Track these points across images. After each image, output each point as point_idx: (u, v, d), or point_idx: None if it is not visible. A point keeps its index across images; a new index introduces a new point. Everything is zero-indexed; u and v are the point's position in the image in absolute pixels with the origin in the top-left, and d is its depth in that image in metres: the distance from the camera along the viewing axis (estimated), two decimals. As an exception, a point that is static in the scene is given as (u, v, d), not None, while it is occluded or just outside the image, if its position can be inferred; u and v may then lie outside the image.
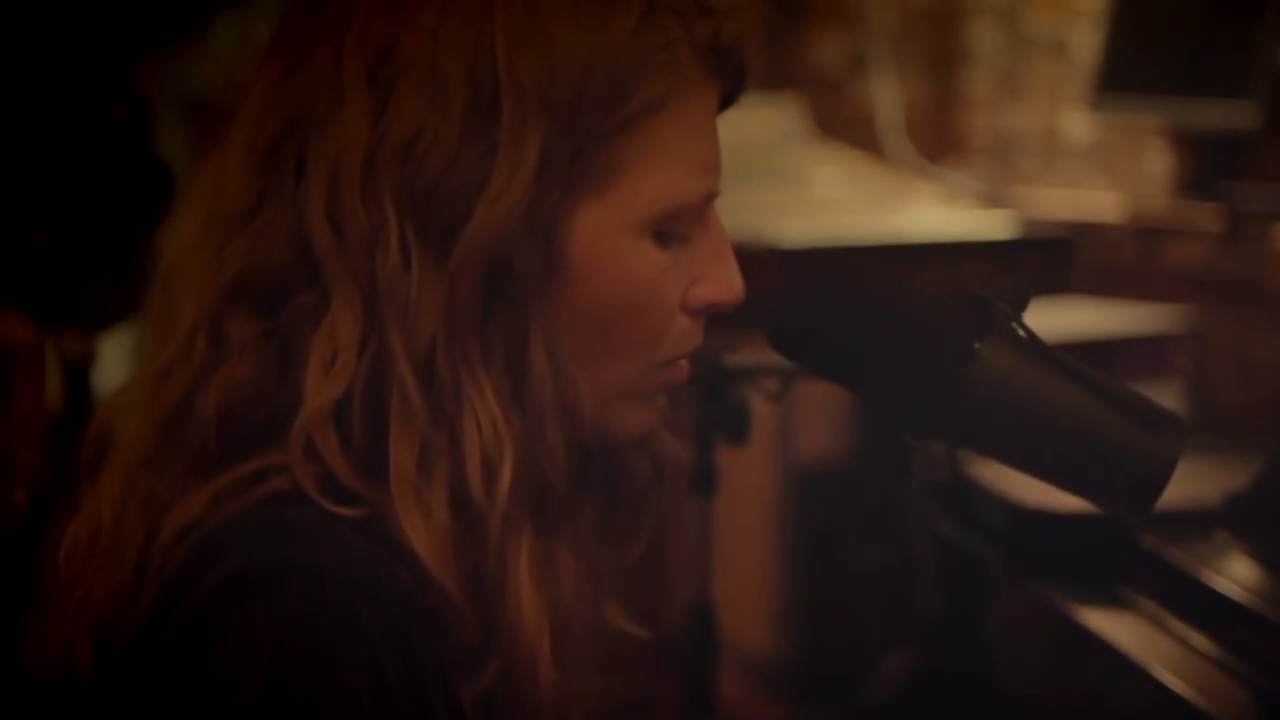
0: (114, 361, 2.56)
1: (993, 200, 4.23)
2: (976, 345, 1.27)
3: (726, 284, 1.28)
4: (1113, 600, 1.88)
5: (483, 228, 1.18)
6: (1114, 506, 1.31)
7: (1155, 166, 4.21)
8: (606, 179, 1.23)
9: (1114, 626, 1.84)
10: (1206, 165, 4.01)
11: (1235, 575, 1.79)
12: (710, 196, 1.28)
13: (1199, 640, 1.76)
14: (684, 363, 1.30)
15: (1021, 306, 1.30)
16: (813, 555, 3.78)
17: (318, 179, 1.20)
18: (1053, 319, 3.44)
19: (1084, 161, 4.41)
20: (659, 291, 1.26)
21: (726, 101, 1.30)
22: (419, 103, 1.19)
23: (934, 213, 4.15)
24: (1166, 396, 3.41)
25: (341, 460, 1.18)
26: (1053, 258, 4.07)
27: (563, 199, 1.21)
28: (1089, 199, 4.22)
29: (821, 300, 1.30)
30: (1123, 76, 4.06)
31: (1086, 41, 4.27)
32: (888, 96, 4.48)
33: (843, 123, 4.47)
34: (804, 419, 3.77)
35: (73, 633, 1.18)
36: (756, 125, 4.05)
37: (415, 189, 1.19)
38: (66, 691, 1.18)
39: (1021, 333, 1.29)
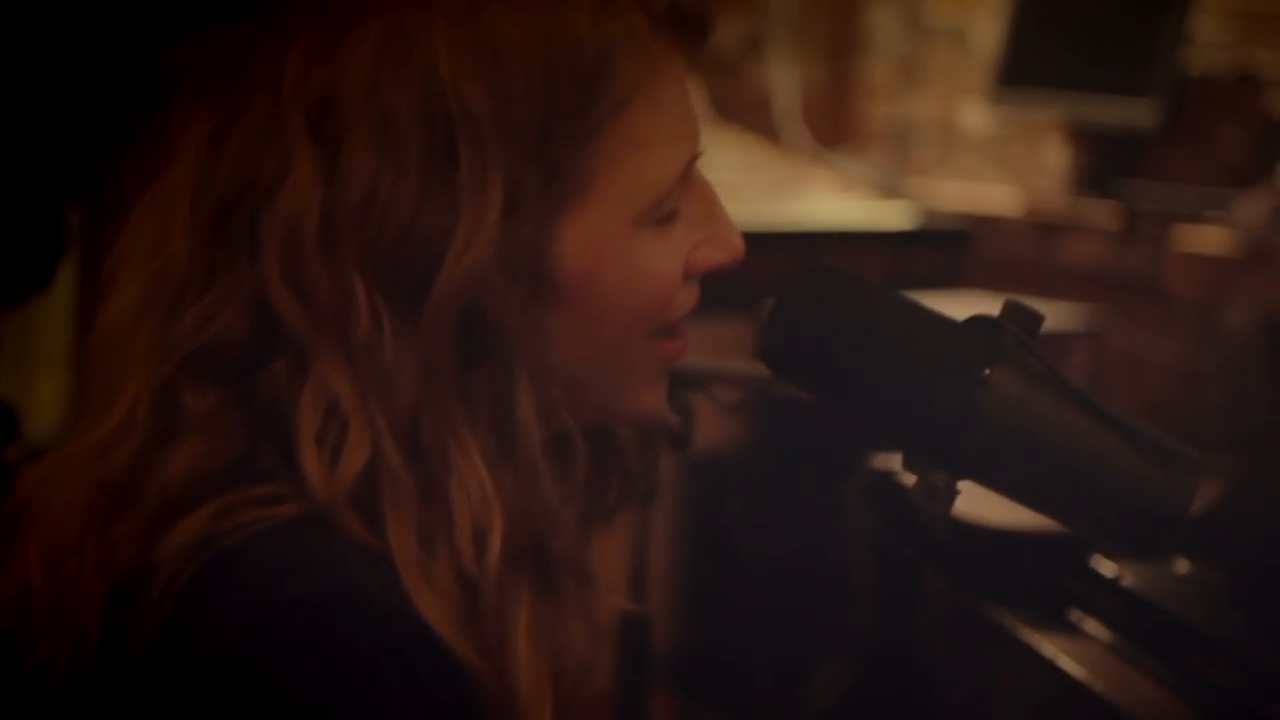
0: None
1: (889, 190, 4.20)
2: (987, 372, 1.21)
3: (726, 243, 1.24)
4: (1062, 623, 1.84)
5: (453, 280, 1.12)
6: (1123, 545, 1.26)
7: (1053, 162, 4.20)
8: (587, 186, 1.17)
9: (1063, 649, 1.80)
10: (1104, 162, 4.00)
11: (1191, 600, 1.76)
12: (694, 159, 1.22)
13: (1151, 665, 1.72)
14: (681, 340, 1.24)
15: (1034, 332, 1.24)
16: (712, 548, 3.73)
17: (273, 248, 1.13)
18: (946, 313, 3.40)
19: (981, 154, 4.39)
20: (666, 274, 1.21)
21: (693, 51, 1.24)
22: (370, 159, 1.12)
23: (830, 201, 4.12)
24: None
25: (364, 533, 1.12)
26: (948, 250, 4.05)
27: (541, 224, 1.15)
28: (985, 192, 4.20)
29: (822, 318, 1.23)
30: (1023, 70, 4.04)
31: (987, 32, 4.25)
32: (785, 81, 4.44)
33: (739, 106, 4.41)
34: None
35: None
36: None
37: (378, 250, 1.12)
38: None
39: (1034, 361, 1.23)
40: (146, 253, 1.17)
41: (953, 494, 1.26)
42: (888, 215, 4.05)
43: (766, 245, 3.73)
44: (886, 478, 2.04)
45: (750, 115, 4.41)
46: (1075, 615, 1.83)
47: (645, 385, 1.24)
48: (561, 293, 1.16)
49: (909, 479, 1.26)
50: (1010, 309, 1.24)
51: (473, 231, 1.11)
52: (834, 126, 4.52)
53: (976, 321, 1.25)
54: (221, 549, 1.09)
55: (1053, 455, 1.21)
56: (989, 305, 1.25)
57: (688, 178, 1.22)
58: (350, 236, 1.11)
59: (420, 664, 1.07)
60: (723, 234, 1.23)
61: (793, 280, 1.23)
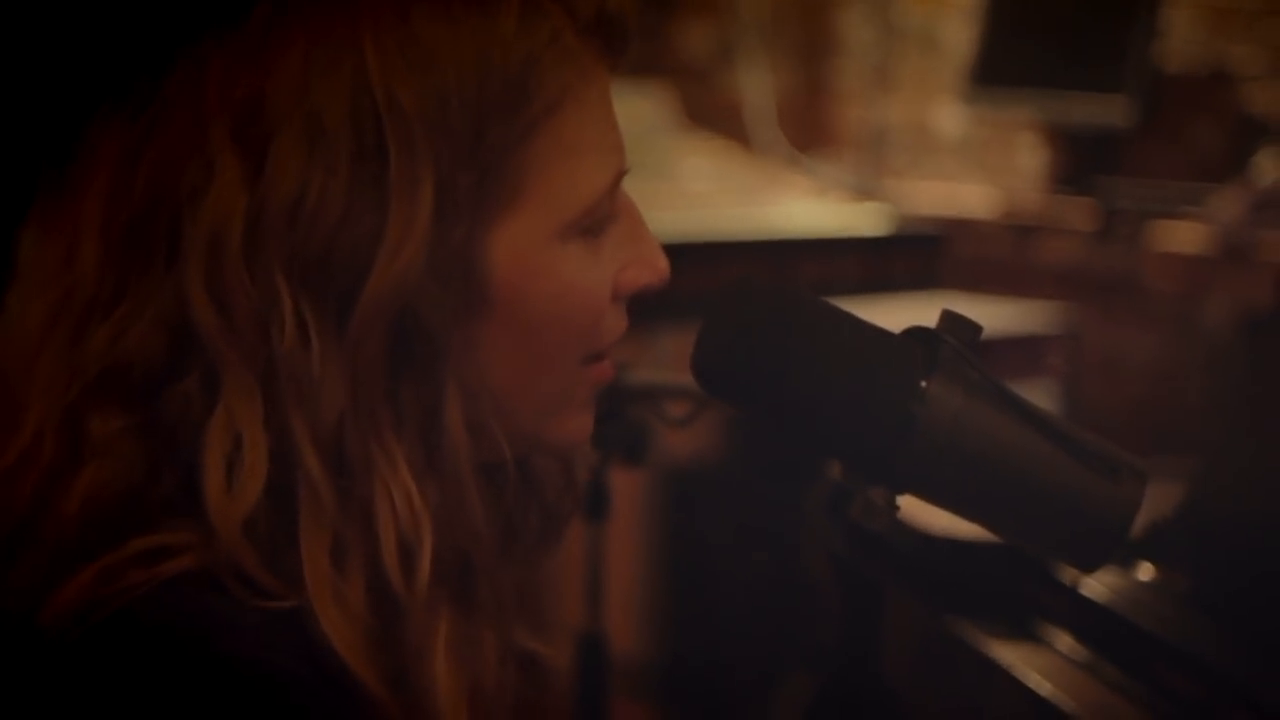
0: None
1: (864, 194, 4.17)
2: (924, 384, 1.18)
3: (652, 264, 1.21)
4: (1025, 634, 1.82)
5: (383, 285, 1.08)
6: (1067, 557, 1.23)
7: (1028, 161, 4.18)
8: (518, 192, 1.14)
9: (1026, 661, 1.77)
10: (1080, 161, 3.98)
11: (1155, 608, 1.73)
12: (621, 176, 1.20)
13: (1114, 675, 1.69)
14: (609, 360, 1.21)
15: (973, 342, 1.21)
16: (687, 564, 3.70)
17: (195, 257, 1.08)
18: (923, 317, 3.38)
19: (956, 156, 4.36)
20: (594, 291, 1.18)
21: (616, 62, 1.21)
22: (298, 159, 1.08)
23: (804, 206, 4.08)
24: (1039, 396, 3.37)
25: (257, 566, 1.08)
26: (924, 253, 4.02)
27: (472, 229, 1.12)
28: (961, 194, 4.17)
29: (752, 335, 1.20)
30: (996, 70, 4.02)
31: (960, 34, 4.22)
32: (758, 87, 4.41)
33: (712, 113, 4.38)
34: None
35: None
36: (623, 116, 3.95)
37: (306, 255, 1.08)
38: None
39: (973, 372, 1.20)
40: (50, 274, 1.13)
41: (892, 510, 1.23)
42: (863, 219, 4.02)
43: (740, 253, 3.70)
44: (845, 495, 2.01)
45: (723, 121, 4.39)
46: (1038, 626, 1.80)
47: (573, 411, 1.21)
48: (492, 304, 1.13)
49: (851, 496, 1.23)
50: (947, 319, 1.21)
51: (403, 234, 1.08)
52: (807, 131, 4.49)
53: (913, 333, 1.22)
54: (101, 619, 1.05)
55: (992, 467, 1.18)
56: (966, 308, 1.22)
57: (615, 195, 1.20)
58: (277, 240, 1.08)
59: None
60: (648, 255, 1.21)
61: (722, 296, 1.20)
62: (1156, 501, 1.75)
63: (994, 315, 3.57)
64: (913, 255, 4.01)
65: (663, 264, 1.21)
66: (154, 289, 1.10)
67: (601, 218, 1.18)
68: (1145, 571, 1.78)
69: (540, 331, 1.16)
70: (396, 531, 1.08)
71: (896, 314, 1.31)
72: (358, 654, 1.06)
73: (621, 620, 2.18)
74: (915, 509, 1.85)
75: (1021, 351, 3.68)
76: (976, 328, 1.22)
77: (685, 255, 3.44)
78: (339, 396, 1.08)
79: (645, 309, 1.26)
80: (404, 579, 1.08)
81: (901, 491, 1.21)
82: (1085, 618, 1.76)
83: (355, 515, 1.08)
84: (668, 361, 2.68)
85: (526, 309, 1.15)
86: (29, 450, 1.10)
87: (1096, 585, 1.77)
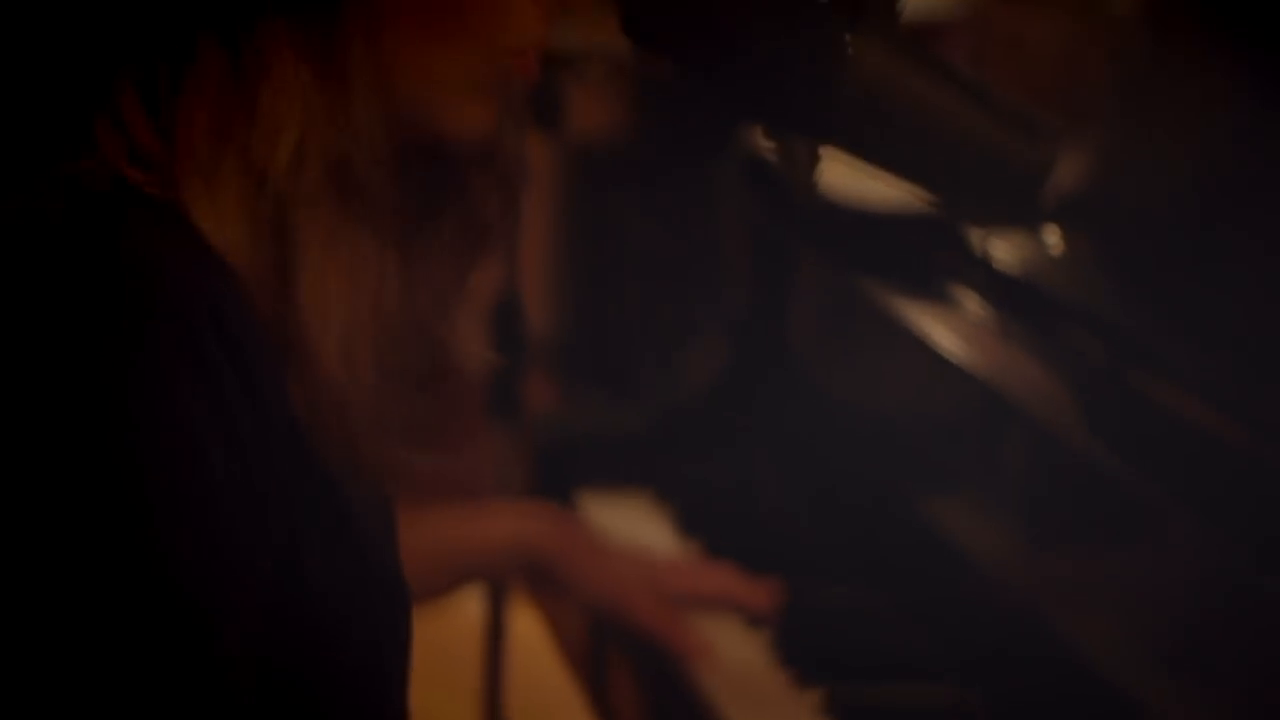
0: None
1: None
2: (847, 38, 1.20)
3: None
4: (935, 297, 1.85)
5: None
6: (984, 213, 1.26)
7: None
8: None
9: (937, 325, 1.81)
10: None
11: (1061, 273, 1.76)
12: None
13: (1022, 338, 1.73)
14: (532, 56, 1.20)
15: (895, 4, 1.22)
16: (596, 239, 3.73)
17: None
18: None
19: None
20: None
21: None
22: None
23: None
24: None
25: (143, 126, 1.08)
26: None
27: None
28: None
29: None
30: None
31: None
32: None
33: None
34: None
35: None
36: None
37: None
38: None
39: (895, 29, 1.21)
40: None
41: (815, 161, 1.25)
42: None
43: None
44: (759, 157, 2.02)
45: None
46: (947, 290, 1.84)
47: (472, 99, 1.18)
48: None
49: (775, 151, 1.25)
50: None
51: None
52: None
53: (837, -11, 1.23)
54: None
55: (912, 121, 1.20)
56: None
57: None
58: None
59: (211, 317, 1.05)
60: None
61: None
62: (1065, 172, 1.78)
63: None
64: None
65: None
66: None
67: None
68: (1053, 238, 1.81)
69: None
70: (274, 113, 1.08)
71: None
72: (226, 237, 1.07)
73: (532, 296, 2.20)
74: (828, 174, 1.87)
75: (927, 36, 3.67)
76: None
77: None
78: None
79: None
80: (270, 158, 1.08)
81: (823, 143, 1.23)
82: (994, 282, 1.80)
83: (239, 93, 1.08)
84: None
85: None
86: None
87: (1005, 250, 1.80)
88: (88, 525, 1.01)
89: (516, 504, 2.02)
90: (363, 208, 1.13)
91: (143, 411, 1.02)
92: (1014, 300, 1.77)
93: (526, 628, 2.36)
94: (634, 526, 1.91)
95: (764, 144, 1.26)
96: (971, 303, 1.81)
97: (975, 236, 1.82)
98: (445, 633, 1.74)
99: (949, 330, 1.80)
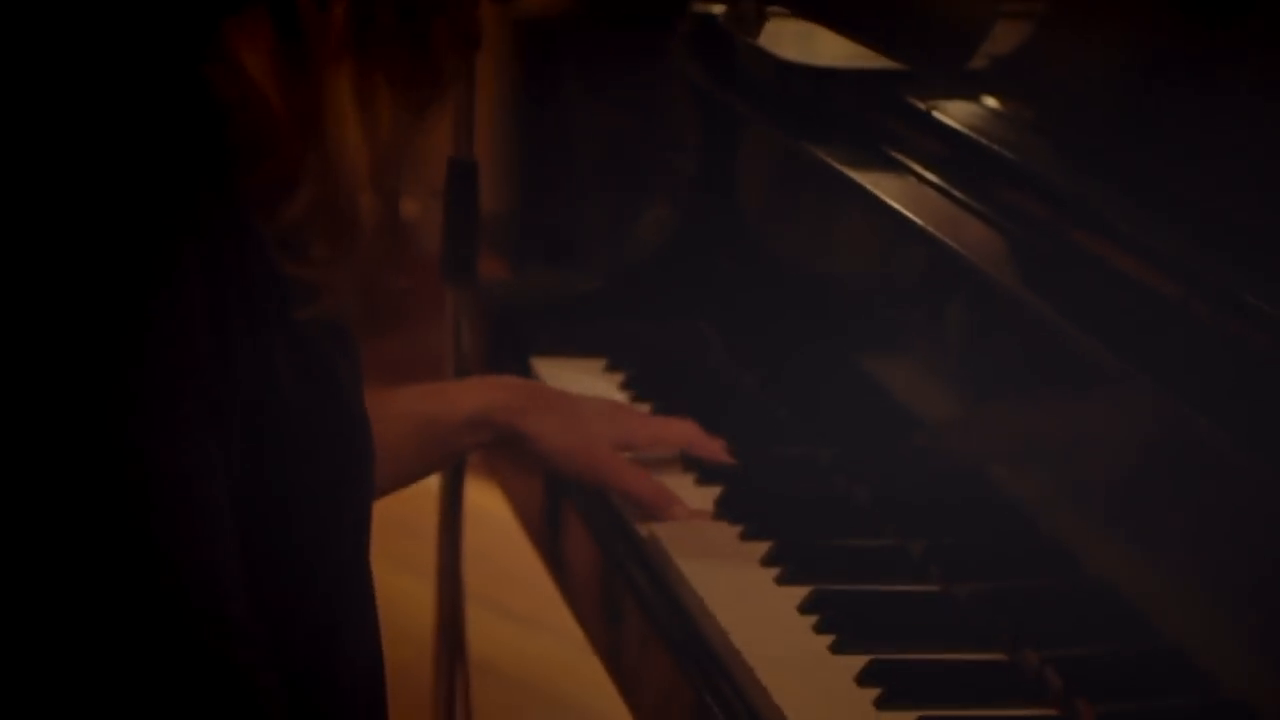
0: None
1: None
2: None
3: None
4: (879, 157, 1.87)
5: None
6: (923, 62, 1.27)
7: None
8: None
9: (878, 181, 1.83)
10: None
11: (1003, 133, 1.78)
12: None
13: (964, 196, 1.75)
14: None
15: None
16: (540, 109, 3.72)
17: None
18: None
19: None
20: None
21: None
22: None
23: None
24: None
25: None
26: None
27: None
28: None
29: None
30: None
31: None
32: None
33: None
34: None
35: None
36: None
37: None
38: None
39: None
40: None
41: (763, 18, 1.26)
42: None
43: None
44: (708, 23, 2.03)
45: None
46: (891, 150, 1.86)
47: None
48: None
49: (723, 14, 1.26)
50: None
51: None
52: None
53: None
54: None
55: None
56: None
57: None
58: None
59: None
60: None
61: None
62: (1004, 38, 1.80)
63: None
64: None
65: None
66: None
67: None
68: (992, 100, 1.83)
69: None
70: None
71: None
72: (261, 71, 1.10)
73: (482, 169, 2.19)
74: (773, 37, 1.89)
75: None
76: None
77: None
78: None
79: None
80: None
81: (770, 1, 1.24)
82: (937, 141, 1.82)
83: None
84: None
85: None
86: None
87: (947, 110, 1.82)
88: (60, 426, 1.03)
89: (482, 379, 2.04)
90: (375, 50, 1.15)
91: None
92: (955, 158, 1.78)
93: (482, 499, 2.39)
94: (587, 391, 1.92)
95: (711, 4, 1.26)
96: (914, 161, 1.82)
97: (917, 98, 1.84)
98: (404, 508, 1.76)
99: (892, 186, 1.82)
